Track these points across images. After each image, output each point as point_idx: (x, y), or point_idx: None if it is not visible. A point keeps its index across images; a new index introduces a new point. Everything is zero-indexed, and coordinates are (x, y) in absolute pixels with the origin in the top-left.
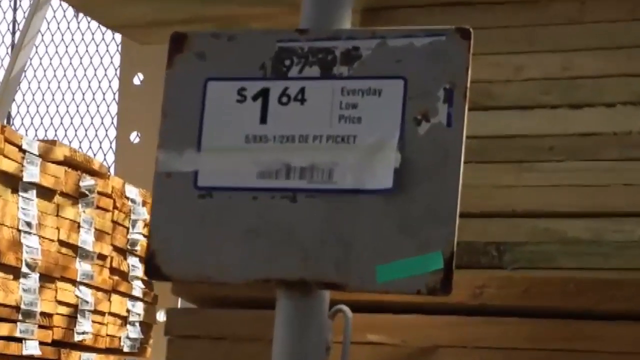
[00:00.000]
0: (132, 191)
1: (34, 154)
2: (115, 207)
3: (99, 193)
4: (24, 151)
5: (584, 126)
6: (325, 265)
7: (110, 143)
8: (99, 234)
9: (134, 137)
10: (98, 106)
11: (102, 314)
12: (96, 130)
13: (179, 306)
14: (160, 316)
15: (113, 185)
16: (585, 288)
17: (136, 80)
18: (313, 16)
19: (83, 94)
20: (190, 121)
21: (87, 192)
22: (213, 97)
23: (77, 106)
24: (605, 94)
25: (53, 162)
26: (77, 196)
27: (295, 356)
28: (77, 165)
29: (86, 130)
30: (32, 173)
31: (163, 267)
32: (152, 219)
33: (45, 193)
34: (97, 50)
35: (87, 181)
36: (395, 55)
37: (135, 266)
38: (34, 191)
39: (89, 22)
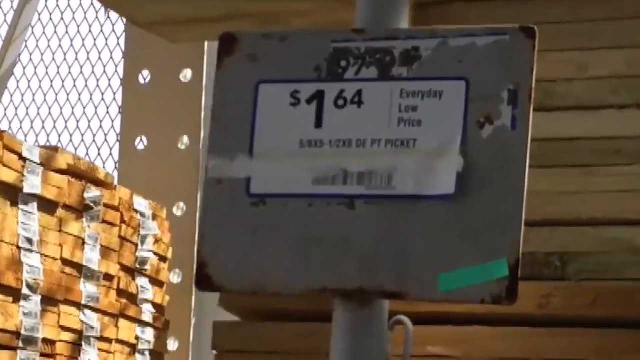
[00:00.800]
0: (141, 204)
1: (36, 163)
2: (122, 222)
3: (105, 206)
4: (24, 159)
5: None
6: (385, 274)
7: (111, 149)
8: (105, 252)
9: (139, 142)
10: (97, 108)
11: (109, 341)
12: (94, 135)
13: (191, 333)
14: (172, 345)
15: (120, 196)
16: None
17: (141, 79)
18: (369, 15)
19: (79, 94)
20: (242, 126)
21: (92, 205)
22: (265, 100)
23: (73, 108)
24: None
25: (55, 171)
26: (81, 209)
27: None
28: (81, 174)
29: (82, 135)
30: (33, 184)
31: (214, 277)
32: (202, 227)
33: (47, 206)
34: (94, 45)
35: (93, 192)
36: (457, 55)
37: (145, 288)
38: (35, 204)
39: (85, 12)
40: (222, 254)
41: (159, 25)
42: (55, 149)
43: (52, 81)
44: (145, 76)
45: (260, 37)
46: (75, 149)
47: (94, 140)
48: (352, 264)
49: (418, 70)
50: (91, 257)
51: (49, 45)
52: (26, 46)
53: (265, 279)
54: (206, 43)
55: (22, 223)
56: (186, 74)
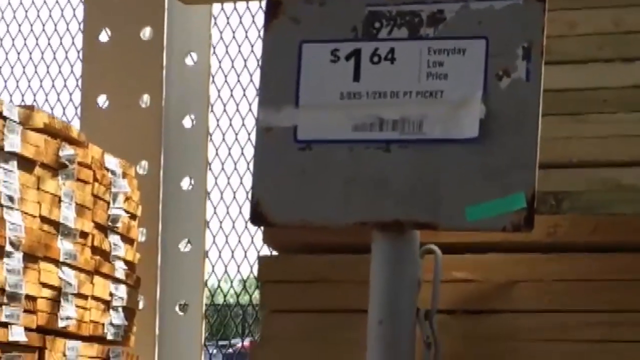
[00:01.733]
0: (111, 162)
1: (15, 121)
2: (95, 180)
3: (79, 164)
4: (4, 118)
5: (636, 79)
6: (418, 208)
7: (76, 108)
8: (80, 209)
9: (102, 101)
10: (60, 66)
11: (86, 297)
12: (58, 94)
13: (157, 291)
14: (142, 303)
15: (92, 155)
16: None
17: (102, 37)
18: None
19: (42, 52)
20: (288, 81)
21: (67, 163)
22: (308, 58)
23: (36, 66)
24: None
25: (33, 130)
26: (57, 167)
27: (392, 289)
28: (56, 133)
29: (47, 95)
30: (13, 142)
31: (268, 214)
32: (255, 170)
33: (25, 164)
34: (57, 2)
35: (67, 151)
36: (477, 17)
37: (117, 245)
38: (15, 162)
39: None
40: (274, 193)
41: None
42: (31, 108)
43: (13, 40)
44: (104, 35)
45: (302, 2)
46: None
47: (58, 100)
48: (388, 199)
49: (443, 30)
50: (67, 214)
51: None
52: None
53: (313, 215)
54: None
55: (4, 181)
56: (145, 32)
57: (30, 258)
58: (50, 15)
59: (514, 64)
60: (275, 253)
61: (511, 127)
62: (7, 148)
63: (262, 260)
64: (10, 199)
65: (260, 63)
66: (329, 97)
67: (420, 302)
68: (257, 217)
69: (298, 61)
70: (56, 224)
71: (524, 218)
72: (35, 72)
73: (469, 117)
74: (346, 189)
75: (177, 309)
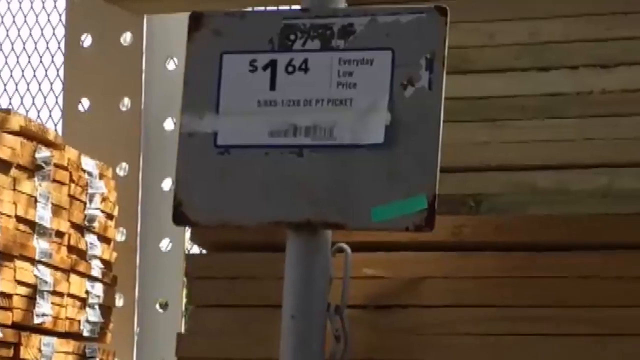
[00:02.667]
0: (88, 163)
1: None
2: (71, 181)
3: (55, 165)
4: None
5: (551, 87)
6: (328, 209)
7: (50, 111)
8: (56, 209)
9: (86, 105)
10: (47, 70)
11: (61, 295)
12: (45, 97)
13: (136, 289)
14: (119, 300)
15: (69, 157)
16: (546, 225)
17: (82, 42)
18: None
19: (29, 56)
20: (209, 89)
21: (43, 165)
22: (228, 68)
23: (23, 70)
24: (569, 57)
25: (9, 133)
26: (33, 169)
27: (304, 286)
28: (33, 135)
29: (33, 98)
30: None
31: (189, 214)
32: (178, 173)
33: (1, 166)
34: (43, 7)
35: (43, 152)
36: (384, 30)
37: (94, 244)
38: None
39: None
40: (195, 195)
41: (127, 1)
42: (7, 112)
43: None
44: (85, 40)
45: (223, 16)
46: (27, 113)
47: (45, 103)
48: (301, 201)
49: (353, 42)
50: (43, 214)
51: None
52: None
53: (231, 215)
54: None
55: None
56: (126, 37)
57: (5, 256)
58: (37, 21)
59: (418, 74)
60: (204, 251)
61: (414, 133)
62: None
63: (189, 258)
64: None
65: (185, 73)
66: (247, 105)
67: (333, 297)
68: (179, 218)
69: (219, 71)
70: (32, 224)
71: (425, 219)
72: (23, 76)
73: (376, 124)
74: (262, 191)
75: (157, 306)
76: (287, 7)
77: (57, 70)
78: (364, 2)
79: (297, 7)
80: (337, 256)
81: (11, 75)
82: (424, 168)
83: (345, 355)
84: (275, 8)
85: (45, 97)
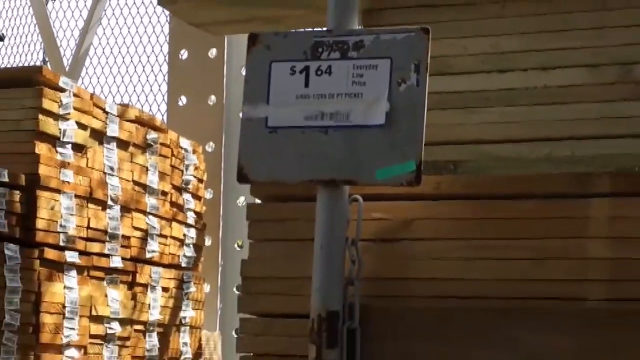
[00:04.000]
0: (185, 142)
1: (114, 115)
2: (172, 155)
3: (161, 144)
4: (106, 112)
5: (507, 84)
6: (346, 170)
7: (158, 105)
8: (161, 175)
9: (184, 100)
10: (156, 76)
11: (165, 237)
12: (155, 95)
13: (220, 233)
14: (208, 241)
15: (170, 138)
16: (504, 182)
17: (184, 56)
18: (335, 21)
19: (143, 67)
20: (262, 87)
21: (152, 143)
22: (275, 72)
23: (139, 76)
24: (521, 63)
25: (127, 121)
26: (145, 147)
27: (329, 226)
28: (145, 122)
29: (147, 96)
30: (113, 129)
31: (248, 175)
32: (240, 146)
33: (122, 144)
34: (154, 31)
35: (152, 135)
36: (385, 44)
37: (189, 200)
38: (115, 143)
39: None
40: (252, 161)
41: (209, 25)
42: (126, 105)
43: (123, 58)
44: (184, 54)
45: (272, 35)
46: (142, 106)
47: (155, 100)
48: (327, 165)
49: (363, 53)
50: (152, 179)
51: (120, 32)
52: (104, 33)
53: (278, 175)
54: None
55: (107, 156)
56: (212, 52)
57: (125, 209)
58: (149, 41)
59: (409, 75)
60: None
61: (406, 117)
62: (109, 133)
63: (249, 206)
64: (112, 168)
65: (245, 74)
66: (288, 98)
67: (350, 233)
68: (241, 177)
69: (268, 74)
70: (144, 186)
71: (414, 177)
72: (139, 80)
73: (379, 111)
74: (299, 158)
75: (235, 246)
76: (317, 29)
77: (164, 76)
78: (373, 24)
79: (324, 28)
80: (352, 204)
81: (130, 80)
82: (414, 142)
83: (359, 274)
84: (309, 29)
85: (155, 95)
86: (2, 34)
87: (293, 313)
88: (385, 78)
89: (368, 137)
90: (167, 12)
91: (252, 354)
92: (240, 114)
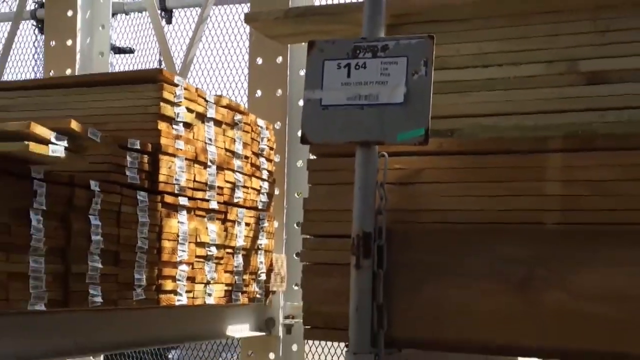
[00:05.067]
0: (260, 122)
1: (212, 102)
2: (252, 130)
3: (244, 123)
4: (206, 101)
5: (488, 75)
6: (376, 135)
7: (241, 97)
8: (244, 145)
9: (259, 93)
10: (240, 76)
11: (247, 187)
12: (239, 90)
13: (285, 185)
14: (276, 191)
15: (251, 119)
16: (489, 142)
17: (259, 61)
18: (368, 32)
19: (232, 69)
20: (317, 77)
21: (238, 122)
22: (326, 67)
23: (228, 76)
24: (498, 60)
25: (221, 107)
26: (233, 125)
27: (364, 175)
28: (233, 108)
29: (234, 90)
30: (211, 112)
31: (309, 138)
32: (302, 118)
33: (217, 123)
34: (239, 44)
35: (238, 117)
36: (403, 47)
37: (263, 162)
38: (212, 122)
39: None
40: (312, 129)
41: (280, 37)
42: (220, 96)
43: (218, 63)
44: (259, 60)
45: (324, 42)
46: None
47: (239, 93)
48: (362, 131)
49: (387, 53)
50: (238, 147)
51: (215, 44)
52: (204, 46)
53: (329, 138)
54: (292, 45)
55: (206, 131)
56: (279, 58)
57: (219, 168)
58: (235, 50)
59: (420, 69)
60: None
61: (418, 98)
62: (208, 115)
63: (309, 161)
64: (210, 140)
65: (306, 69)
66: (336, 85)
67: (379, 179)
68: (304, 140)
69: (322, 68)
70: (233, 152)
71: (424, 139)
72: (228, 78)
73: (399, 93)
74: (343, 126)
75: (296, 195)
76: (355, 37)
77: (245, 76)
78: (394, 34)
79: (361, 37)
80: (380, 158)
81: (222, 79)
82: (423, 115)
83: (385, 207)
84: (350, 38)
85: (239, 90)
86: (132, 48)
87: (339, 234)
88: (403, 71)
89: (391, 112)
90: (248, 29)
91: (310, 262)
92: (300, 102)
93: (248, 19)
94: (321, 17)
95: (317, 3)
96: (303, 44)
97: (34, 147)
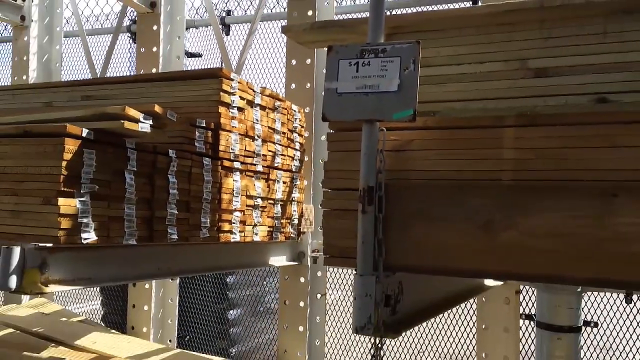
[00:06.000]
0: (294, 107)
1: (258, 92)
2: (288, 113)
3: (282, 108)
4: (254, 91)
5: (460, 71)
6: (377, 114)
7: (284, 88)
8: (282, 124)
9: (293, 86)
10: (279, 73)
11: (284, 155)
12: (279, 84)
13: (312, 153)
14: (305, 157)
15: (287, 105)
16: (459, 120)
17: (293, 62)
18: (372, 39)
19: (273, 68)
20: (334, 72)
21: (277, 107)
22: (341, 65)
23: (271, 73)
24: (467, 60)
25: (265, 95)
26: (273, 109)
27: (369, 143)
28: (274, 97)
29: (275, 84)
30: (257, 100)
31: (327, 117)
32: (323, 102)
33: (262, 108)
34: (278, 49)
35: (277, 103)
36: (397, 50)
37: (296, 137)
38: (258, 107)
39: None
40: (331, 110)
41: (307, 43)
42: (265, 88)
43: (263, 63)
44: (293, 61)
45: (339, 46)
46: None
47: (275, 86)
48: (367, 110)
49: (386, 54)
50: (277, 125)
51: (261, 49)
52: (252, 49)
53: (344, 116)
54: (317, 49)
55: (254, 114)
56: (308, 60)
57: (264, 141)
58: (275, 53)
59: (410, 65)
60: (332, 131)
61: (407, 87)
62: (255, 102)
63: (328, 134)
64: (257, 120)
65: (325, 67)
66: (347, 78)
67: (379, 147)
68: (324, 118)
69: (337, 66)
70: (273, 129)
71: (412, 117)
72: (271, 75)
73: (394, 83)
74: (354, 108)
75: (319, 161)
76: (362, 43)
77: (283, 73)
78: (391, 40)
79: (366, 42)
80: (380, 132)
81: (267, 75)
82: (411, 100)
83: (383, 167)
84: (358, 43)
85: (279, 84)
86: (200, 53)
87: (350, 187)
88: (397, 67)
89: (388, 97)
90: (285, 38)
91: (329, 209)
92: (322, 93)
93: (284, 29)
94: (338, 29)
95: (335, 18)
96: (324, 48)
97: (127, 124)
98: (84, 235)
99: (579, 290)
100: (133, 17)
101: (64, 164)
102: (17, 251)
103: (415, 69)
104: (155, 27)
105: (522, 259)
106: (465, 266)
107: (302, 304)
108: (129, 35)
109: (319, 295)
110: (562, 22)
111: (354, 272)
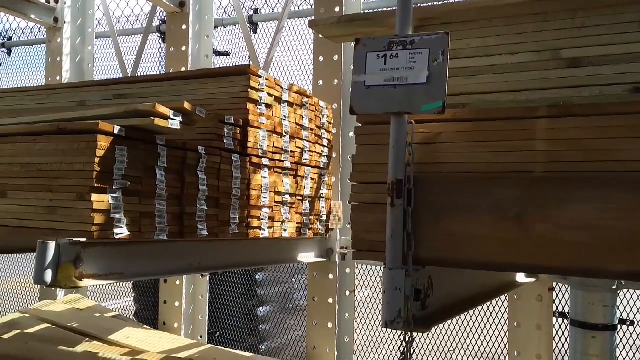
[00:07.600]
0: (321, 103)
1: (286, 89)
2: (316, 110)
3: (310, 104)
4: (282, 88)
5: (491, 63)
6: (406, 106)
7: (312, 85)
8: (309, 120)
9: (320, 83)
10: (306, 70)
11: (312, 151)
12: (307, 80)
13: (340, 149)
14: (334, 154)
15: (315, 101)
16: (489, 112)
17: (321, 59)
18: (400, 31)
19: (301, 65)
20: (362, 65)
21: (305, 104)
22: (369, 57)
23: (299, 70)
24: (497, 51)
25: (293, 92)
26: (301, 105)
27: (398, 133)
28: (301, 93)
29: (303, 80)
30: (285, 96)
31: (355, 109)
32: (351, 96)
33: (290, 105)
34: (305, 45)
35: (305, 99)
36: (426, 41)
37: (324, 134)
38: (286, 104)
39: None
40: (358, 102)
41: (335, 37)
42: (292, 85)
43: (291, 60)
44: (321, 58)
45: (367, 39)
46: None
47: (302, 83)
48: (396, 103)
49: (415, 46)
50: (305, 122)
51: (288, 46)
52: (280, 47)
53: (370, 109)
54: (344, 43)
55: (282, 111)
56: (335, 57)
57: (292, 137)
58: (302, 50)
59: (438, 57)
60: (360, 125)
61: (437, 78)
62: (283, 98)
63: (357, 128)
64: (285, 116)
65: (353, 60)
66: (375, 70)
67: (407, 139)
68: (352, 111)
69: (365, 59)
70: (301, 126)
71: (441, 110)
72: (299, 72)
73: (423, 75)
74: (382, 101)
75: (348, 157)
76: (390, 35)
77: (311, 70)
78: (419, 32)
79: (394, 34)
80: (409, 124)
81: (294, 72)
82: (441, 92)
83: (412, 160)
84: (386, 35)
85: (307, 80)
86: (229, 52)
87: (378, 181)
88: (426, 59)
89: (417, 90)
90: (313, 36)
91: (358, 203)
92: (350, 89)
93: (311, 24)
94: (365, 22)
95: (362, 11)
96: (352, 43)
97: (158, 121)
98: (116, 231)
99: (614, 287)
100: (163, 17)
101: (96, 160)
102: (52, 246)
103: (444, 61)
104: (184, 27)
105: (554, 251)
106: (496, 259)
107: (330, 300)
108: (159, 35)
109: (347, 292)
110: (595, 11)
111: (383, 267)
